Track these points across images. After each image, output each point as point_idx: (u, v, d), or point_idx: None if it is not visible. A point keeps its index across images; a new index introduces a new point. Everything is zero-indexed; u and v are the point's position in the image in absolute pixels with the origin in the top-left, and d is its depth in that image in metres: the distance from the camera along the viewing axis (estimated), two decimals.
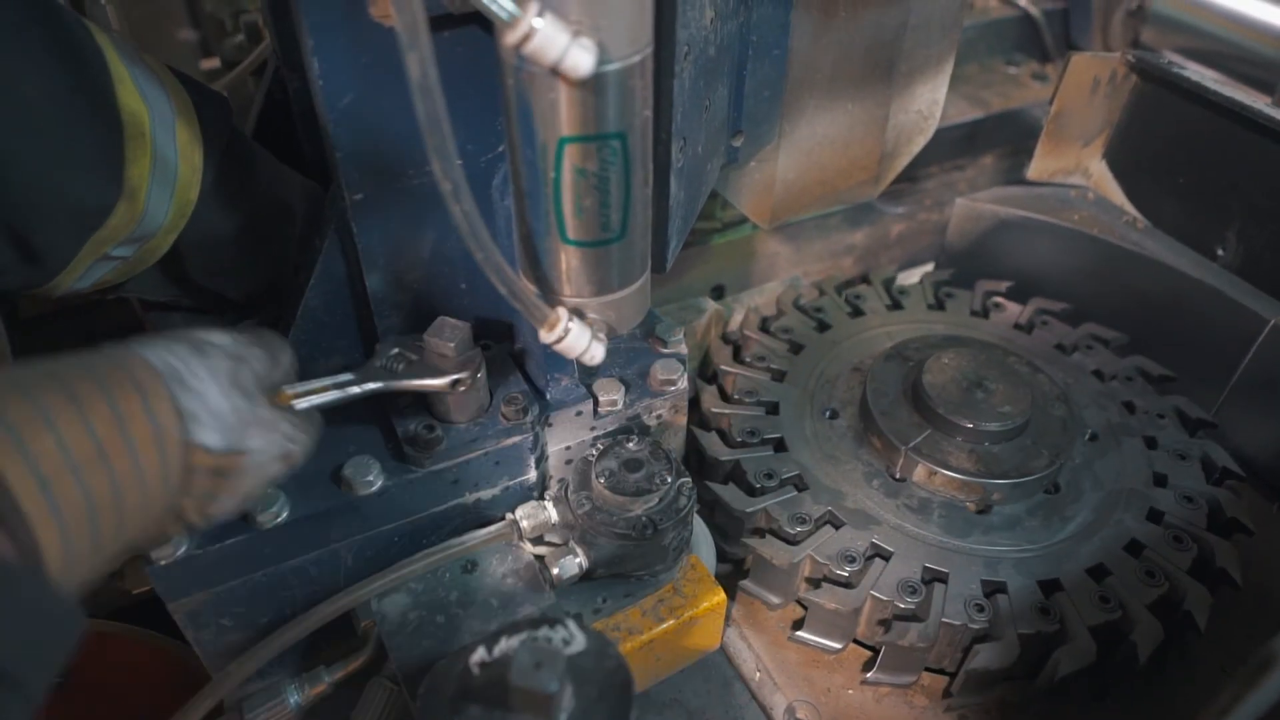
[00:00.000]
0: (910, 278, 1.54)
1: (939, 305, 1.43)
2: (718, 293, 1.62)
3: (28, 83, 0.74)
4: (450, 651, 0.86)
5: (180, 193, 0.87)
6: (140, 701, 1.16)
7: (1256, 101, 1.22)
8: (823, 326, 1.37)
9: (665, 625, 0.95)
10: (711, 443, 1.17)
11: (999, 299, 1.43)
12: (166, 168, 0.85)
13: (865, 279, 1.49)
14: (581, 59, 0.63)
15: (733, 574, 1.14)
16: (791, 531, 1.06)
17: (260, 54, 1.50)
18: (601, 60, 0.65)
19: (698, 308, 1.39)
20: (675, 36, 0.80)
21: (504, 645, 0.73)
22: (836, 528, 1.08)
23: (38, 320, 1.40)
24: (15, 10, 0.73)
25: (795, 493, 1.11)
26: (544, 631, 0.74)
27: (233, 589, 0.92)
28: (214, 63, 1.86)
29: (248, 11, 1.67)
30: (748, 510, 1.08)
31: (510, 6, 0.61)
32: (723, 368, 1.28)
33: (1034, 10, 2.00)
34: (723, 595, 0.99)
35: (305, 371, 1.00)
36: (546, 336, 0.79)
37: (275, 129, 1.15)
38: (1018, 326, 1.39)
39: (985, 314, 1.41)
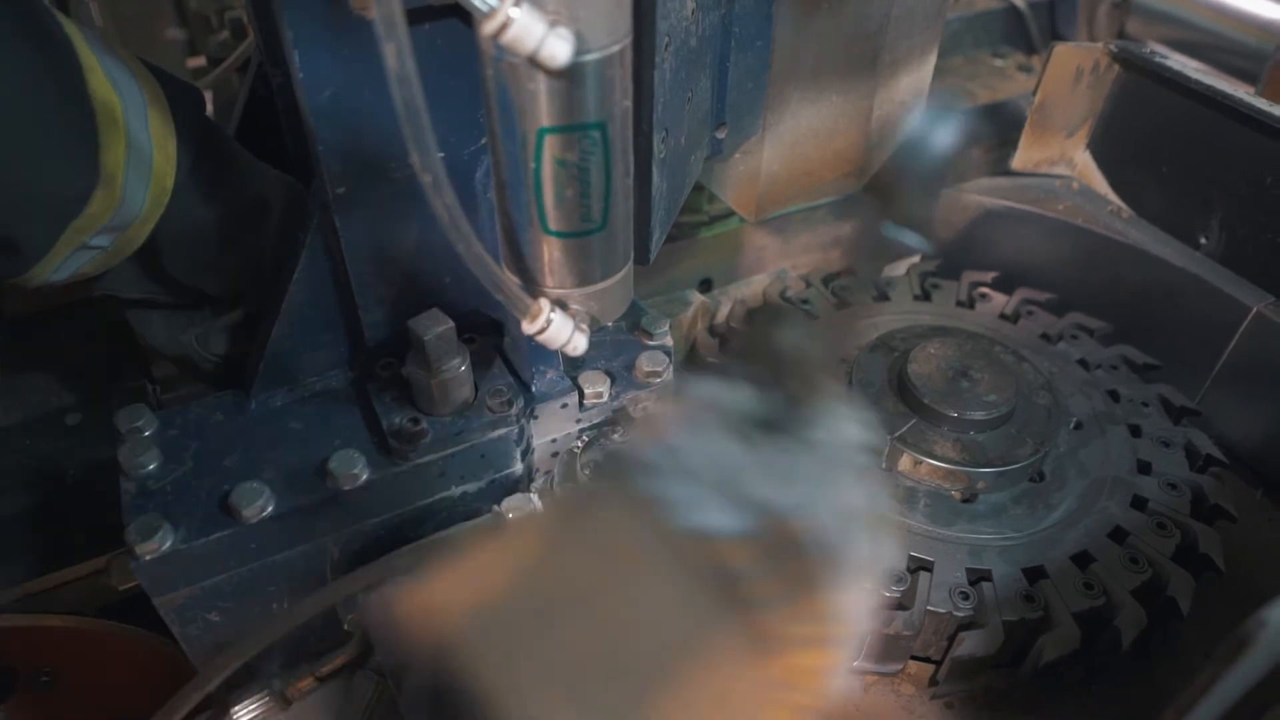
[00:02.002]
0: (897, 269, 1.54)
1: (925, 296, 1.43)
2: (705, 286, 1.63)
3: None
4: None
5: (156, 181, 0.87)
6: (127, 698, 1.16)
7: (1238, 91, 1.23)
8: (809, 318, 1.37)
9: None
10: None
11: (984, 289, 1.43)
12: (141, 155, 0.85)
13: (851, 270, 1.49)
14: (559, 49, 0.63)
15: None
16: None
17: (245, 50, 1.50)
18: (579, 50, 0.66)
19: (684, 300, 1.39)
20: (655, 27, 0.80)
21: None
22: None
23: (23, 320, 1.40)
24: None
25: None
26: None
27: (218, 584, 0.92)
28: (200, 61, 1.86)
29: (233, 8, 1.67)
30: None
31: None
32: (709, 360, 1.28)
33: (1020, 2, 2.01)
34: None
35: (292, 367, 1.01)
36: (529, 328, 0.79)
37: (259, 125, 1.14)
38: (1003, 316, 1.39)
39: (971, 304, 1.42)
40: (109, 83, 0.81)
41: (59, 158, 0.79)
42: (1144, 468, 1.15)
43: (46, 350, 1.37)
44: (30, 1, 0.77)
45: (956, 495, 1.11)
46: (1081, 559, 1.04)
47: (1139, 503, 1.10)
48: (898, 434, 1.12)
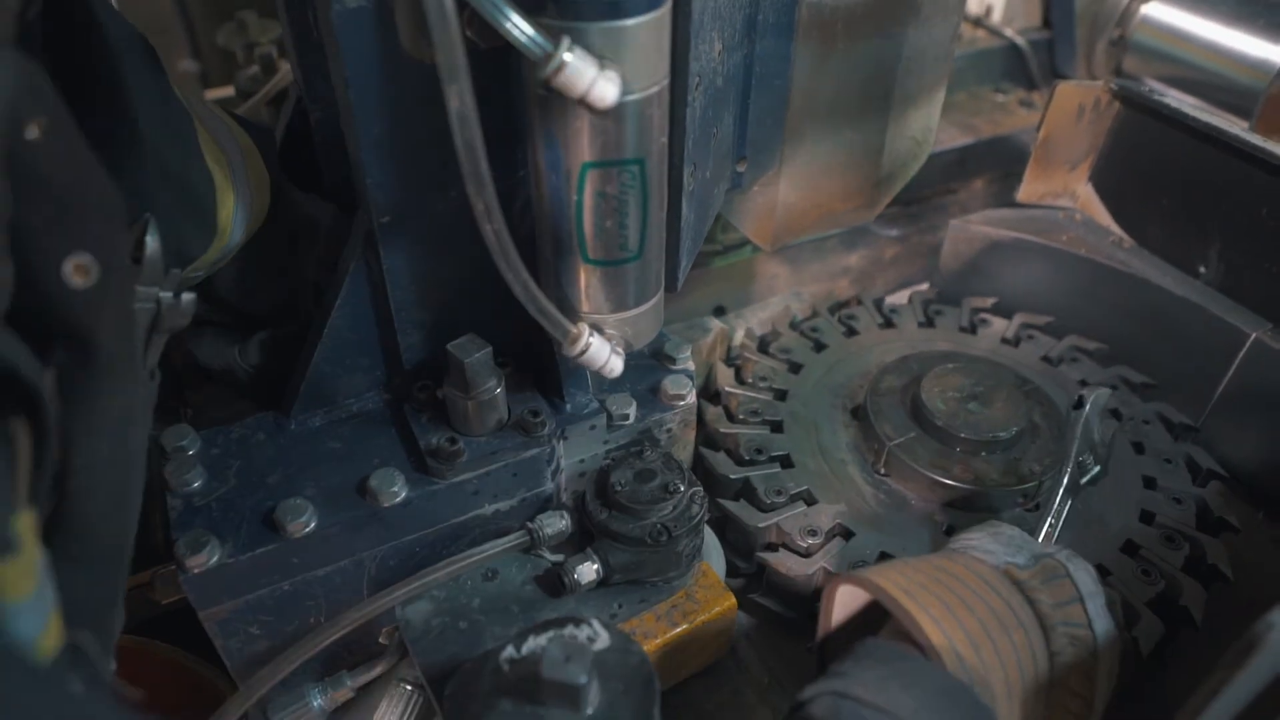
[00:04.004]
0: (900, 298, 1.59)
1: (929, 323, 1.48)
2: (718, 313, 1.67)
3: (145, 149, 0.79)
4: (473, 654, 0.89)
5: (253, 220, 0.93)
6: (152, 713, 1.18)
7: (1232, 127, 1.28)
8: (820, 346, 1.41)
9: (679, 629, 0.99)
10: (720, 461, 1.21)
11: (985, 315, 1.48)
12: (244, 205, 0.91)
13: (858, 300, 1.54)
14: (607, 90, 0.68)
15: (744, 588, 1.17)
16: (804, 544, 1.10)
17: (275, 84, 1.55)
18: (624, 90, 0.70)
19: (703, 327, 1.43)
20: (688, 68, 0.85)
21: (532, 643, 0.77)
22: (847, 539, 1.12)
23: None
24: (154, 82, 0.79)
25: (805, 507, 1.15)
26: (570, 629, 0.77)
27: (261, 597, 0.95)
28: (217, 92, 1.91)
29: (260, 44, 1.73)
30: (760, 525, 1.12)
31: (543, 42, 0.66)
32: (726, 389, 1.32)
33: (1020, 40, 2.07)
34: (733, 600, 1.02)
35: (331, 389, 1.05)
36: (569, 350, 0.83)
37: (295, 156, 1.19)
38: (1005, 341, 1.44)
39: (973, 330, 1.46)
40: (216, 144, 0.86)
41: (186, 226, 0.84)
42: (1149, 483, 1.19)
43: None
44: (159, 72, 0.82)
45: (970, 513, 1.15)
46: (1098, 571, 1.07)
47: (1147, 516, 1.14)
48: (912, 455, 1.16)
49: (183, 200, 0.83)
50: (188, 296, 0.69)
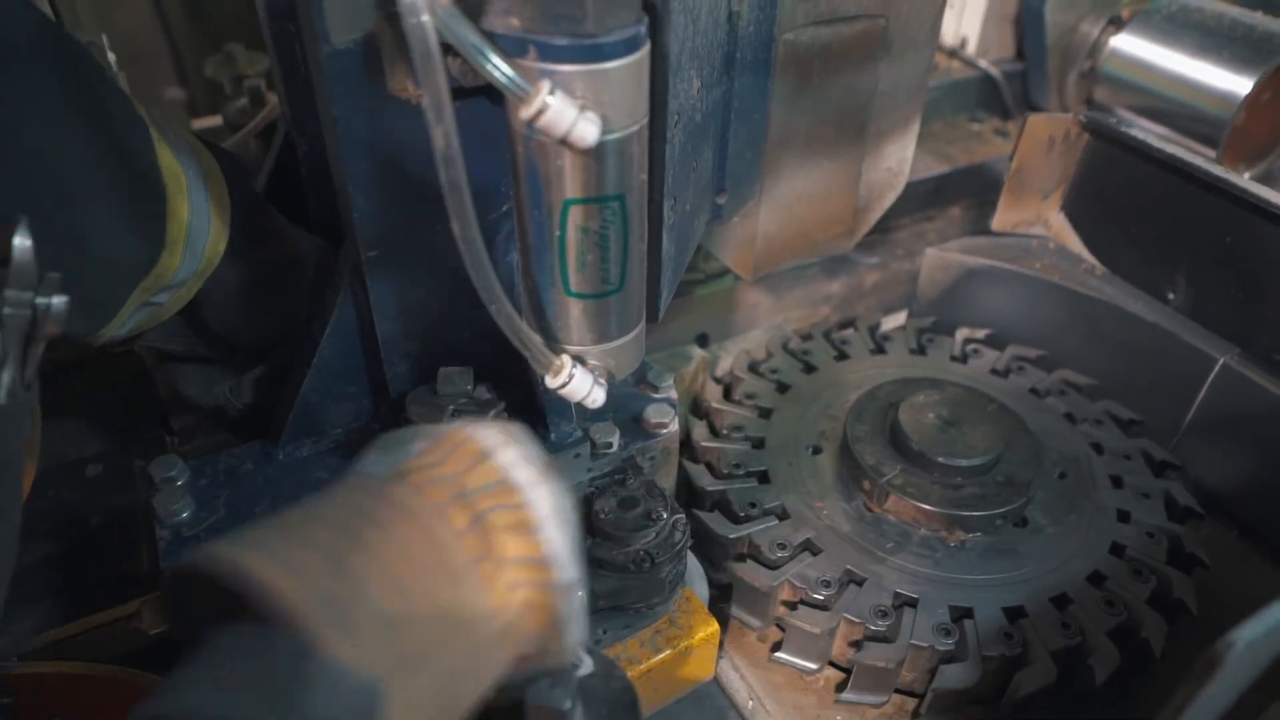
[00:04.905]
0: (896, 319, 1.62)
1: (920, 350, 1.50)
2: (702, 341, 1.69)
3: (79, 153, 0.80)
4: None
5: (211, 244, 0.94)
6: None
7: (1195, 158, 1.32)
8: (809, 369, 1.44)
9: (662, 655, 1.00)
10: (699, 474, 1.24)
11: (976, 345, 1.50)
12: (201, 220, 0.92)
13: (852, 324, 1.57)
14: (588, 130, 0.70)
15: (717, 599, 1.19)
16: (772, 557, 1.13)
17: (265, 117, 1.57)
18: (604, 130, 0.73)
19: (685, 356, 1.45)
20: (667, 106, 0.87)
21: None
22: (815, 554, 1.14)
23: (43, 375, 1.44)
24: (64, 85, 0.79)
25: (777, 521, 1.18)
26: None
27: None
28: (204, 122, 1.93)
29: (249, 76, 1.75)
30: (731, 536, 1.15)
31: (525, 84, 0.68)
32: (713, 405, 1.35)
33: (994, 71, 2.12)
34: (716, 626, 1.04)
35: (319, 419, 1.06)
36: (552, 382, 0.85)
37: (284, 189, 1.21)
38: (994, 371, 1.46)
39: (964, 360, 1.49)
40: (174, 156, 0.88)
41: (132, 225, 0.85)
42: (1123, 517, 1.21)
43: (66, 403, 1.42)
44: (108, 85, 0.84)
45: (943, 537, 1.17)
46: (1060, 600, 1.10)
47: (1117, 549, 1.16)
48: (887, 478, 1.18)
49: (125, 198, 0.84)
50: (59, 300, 0.66)
